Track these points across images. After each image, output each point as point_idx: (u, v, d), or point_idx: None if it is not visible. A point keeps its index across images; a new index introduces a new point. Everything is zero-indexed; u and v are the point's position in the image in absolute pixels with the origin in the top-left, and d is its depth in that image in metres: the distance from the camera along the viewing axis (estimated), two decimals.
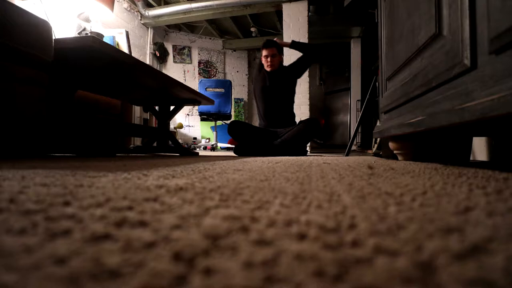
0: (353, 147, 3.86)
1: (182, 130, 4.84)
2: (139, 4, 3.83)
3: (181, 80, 4.78)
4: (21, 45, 0.95)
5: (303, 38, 3.29)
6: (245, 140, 2.03)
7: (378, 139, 1.81)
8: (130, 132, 1.84)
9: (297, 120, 2.32)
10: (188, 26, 4.75)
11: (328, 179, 0.45)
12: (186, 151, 1.93)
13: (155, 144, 2.02)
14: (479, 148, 1.40)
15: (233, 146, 3.09)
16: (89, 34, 2.01)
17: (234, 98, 5.17)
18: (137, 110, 3.68)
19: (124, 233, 0.17)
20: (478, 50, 0.58)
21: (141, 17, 3.99)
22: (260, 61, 2.27)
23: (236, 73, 5.33)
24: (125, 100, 2.04)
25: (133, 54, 2.29)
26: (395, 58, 1.11)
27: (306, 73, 3.27)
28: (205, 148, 3.83)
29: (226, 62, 5.26)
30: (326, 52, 2.11)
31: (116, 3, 3.36)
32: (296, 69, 2.22)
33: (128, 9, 3.77)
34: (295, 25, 3.35)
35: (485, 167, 0.77)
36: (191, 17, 3.93)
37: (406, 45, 0.98)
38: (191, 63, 4.96)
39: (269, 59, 2.14)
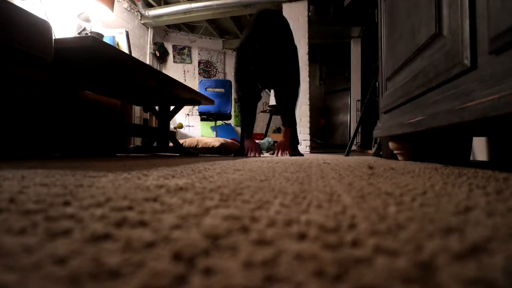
0: (353, 147, 3.86)
1: (182, 130, 4.84)
2: (139, 4, 3.83)
3: (181, 80, 4.77)
4: (21, 45, 0.95)
5: (303, 38, 3.28)
6: None
7: (378, 139, 1.81)
8: (130, 132, 1.84)
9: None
10: (188, 26, 4.75)
11: (328, 179, 0.45)
12: (186, 151, 1.93)
13: (155, 144, 2.02)
14: (479, 148, 1.40)
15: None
16: (89, 34, 2.01)
17: (234, 98, 5.14)
18: (137, 110, 3.68)
19: (124, 233, 0.17)
20: (478, 50, 0.58)
21: (141, 17, 3.99)
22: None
23: None
24: (125, 100, 2.04)
25: (133, 54, 2.29)
26: (395, 58, 1.11)
27: (306, 73, 3.26)
28: None
29: (226, 62, 5.25)
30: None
31: (116, 3, 3.35)
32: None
33: (128, 9, 3.77)
34: (295, 25, 3.35)
35: (485, 167, 0.77)
36: (191, 17, 3.93)
37: (406, 45, 0.98)
38: (191, 63, 4.95)
39: None
